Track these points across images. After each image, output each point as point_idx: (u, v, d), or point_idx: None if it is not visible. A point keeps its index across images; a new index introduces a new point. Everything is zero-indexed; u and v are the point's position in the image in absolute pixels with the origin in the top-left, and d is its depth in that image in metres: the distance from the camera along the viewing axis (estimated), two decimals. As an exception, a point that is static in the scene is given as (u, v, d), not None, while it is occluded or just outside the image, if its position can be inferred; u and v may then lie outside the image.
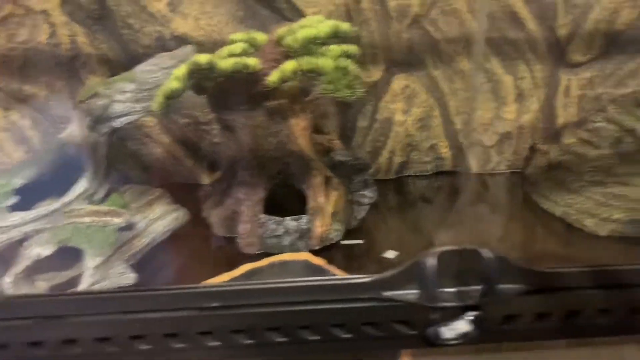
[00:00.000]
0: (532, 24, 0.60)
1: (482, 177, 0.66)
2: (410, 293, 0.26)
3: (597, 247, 0.49)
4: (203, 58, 0.41)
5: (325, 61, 0.43)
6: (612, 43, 0.62)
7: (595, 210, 0.53)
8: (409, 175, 0.66)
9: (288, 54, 0.44)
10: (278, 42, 0.45)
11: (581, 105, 0.64)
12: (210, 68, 0.41)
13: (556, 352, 0.58)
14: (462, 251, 0.26)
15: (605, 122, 0.60)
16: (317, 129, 0.61)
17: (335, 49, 0.44)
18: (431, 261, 0.26)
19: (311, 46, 0.44)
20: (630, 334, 0.28)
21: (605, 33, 0.61)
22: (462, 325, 0.26)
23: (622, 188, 0.53)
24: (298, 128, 0.51)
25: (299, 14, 0.59)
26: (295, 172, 0.51)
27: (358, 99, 0.45)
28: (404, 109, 0.63)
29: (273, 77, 0.43)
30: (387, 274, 0.26)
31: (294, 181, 0.52)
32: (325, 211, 0.51)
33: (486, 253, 0.26)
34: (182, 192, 0.59)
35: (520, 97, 0.63)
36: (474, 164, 0.66)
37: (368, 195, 0.54)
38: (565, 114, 0.64)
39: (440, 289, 0.26)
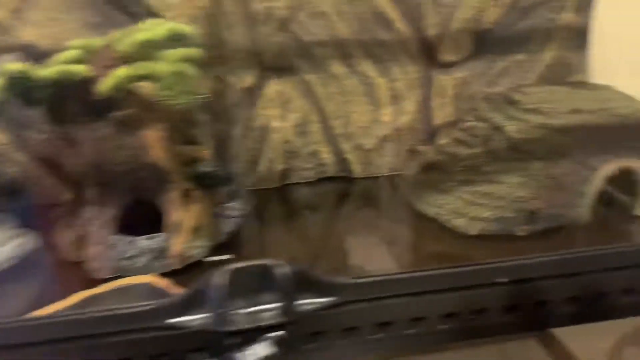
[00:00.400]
0: (400, 25, 0.60)
1: (364, 181, 0.65)
2: (198, 318, 0.24)
3: (463, 247, 0.49)
4: (14, 67, 0.37)
5: (161, 66, 0.40)
6: (481, 42, 0.62)
7: (465, 209, 0.53)
8: (292, 183, 0.64)
9: (124, 60, 0.41)
10: (113, 47, 0.42)
11: (457, 105, 0.65)
12: (25, 77, 0.37)
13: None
14: (255, 267, 0.24)
15: (477, 120, 0.60)
16: (186, 139, 0.58)
17: (173, 53, 0.41)
18: (221, 280, 0.23)
19: (148, 50, 0.41)
20: (446, 342, 0.26)
21: (474, 32, 0.62)
22: (262, 349, 0.24)
23: (490, 186, 0.54)
24: (152, 139, 0.47)
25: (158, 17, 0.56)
26: (150, 187, 0.48)
27: (205, 104, 0.43)
28: (280, 115, 0.61)
29: (105, 84, 0.40)
30: (171, 298, 0.24)
31: (149, 197, 0.48)
32: (184, 227, 0.47)
33: (281, 268, 0.24)
34: (41, 214, 0.54)
35: (396, 99, 0.63)
36: (356, 169, 0.65)
37: (237, 207, 0.52)
38: (441, 114, 0.65)
39: (234, 311, 0.24)
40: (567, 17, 0.63)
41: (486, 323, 0.26)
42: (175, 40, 0.41)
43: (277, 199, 0.61)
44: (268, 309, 0.24)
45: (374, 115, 0.63)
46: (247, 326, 0.24)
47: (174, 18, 0.56)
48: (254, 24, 0.57)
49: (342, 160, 0.65)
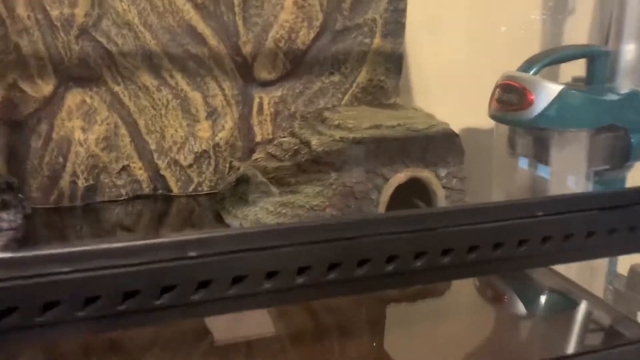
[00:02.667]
0: (213, 40, 0.60)
1: (182, 199, 0.63)
2: None
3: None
4: None
5: None
6: (297, 62, 0.64)
7: (265, 218, 0.53)
8: (101, 202, 0.61)
9: None
10: None
11: (277, 123, 0.65)
12: None
13: None
14: None
15: (290, 136, 0.61)
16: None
17: None
18: None
19: None
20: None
21: (287, 52, 0.63)
22: None
23: (291, 196, 0.54)
24: None
25: (-64, 18, 0.51)
26: None
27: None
28: (83, 127, 0.58)
29: None
30: None
31: None
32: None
33: None
34: None
35: (213, 114, 0.62)
36: (173, 186, 0.63)
37: (7, 218, 0.47)
38: (261, 131, 0.65)
39: None
40: (378, 42, 0.66)
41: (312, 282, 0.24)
42: None
43: (79, 217, 0.57)
44: None
45: (190, 130, 0.62)
46: None
47: (-46, 17, 0.52)
48: (52, 30, 0.55)
49: (158, 177, 0.62)
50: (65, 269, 0.23)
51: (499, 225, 0.28)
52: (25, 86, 0.55)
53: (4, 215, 0.47)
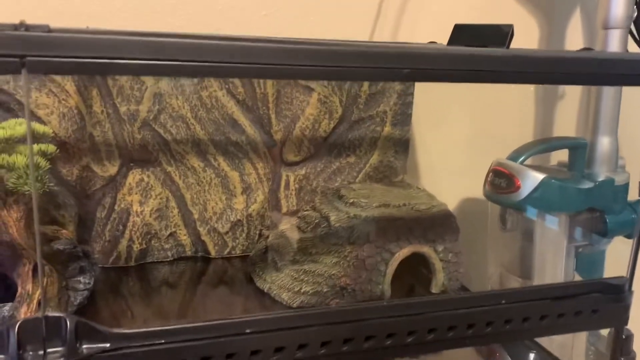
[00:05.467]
0: (250, 129, 0.72)
1: (219, 261, 0.73)
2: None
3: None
4: None
5: (17, 157, 0.48)
6: (319, 146, 0.76)
7: (290, 284, 0.63)
8: (150, 262, 0.72)
9: (-16, 152, 0.49)
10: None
11: (300, 196, 0.76)
12: None
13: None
14: (44, 317, 0.31)
15: (311, 210, 0.72)
16: (51, 219, 0.65)
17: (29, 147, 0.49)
18: (12, 328, 0.30)
19: (7, 145, 0.49)
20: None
21: (311, 139, 0.75)
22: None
23: (312, 265, 0.64)
24: (10, 219, 0.54)
25: (32, 114, 0.64)
26: (5, 261, 0.54)
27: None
28: (140, 201, 0.69)
29: (-36, 172, 0.47)
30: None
31: (5, 270, 0.54)
32: (32, 298, 0.53)
33: (67, 317, 0.32)
34: None
35: (247, 189, 0.74)
36: (211, 249, 0.73)
37: (83, 281, 0.58)
38: (287, 204, 0.76)
39: (26, 352, 0.31)
40: (388, 129, 0.78)
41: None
42: (35, 138, 0.50)
43: (133, 275, 0.68)
44: (55, 351, 0.31)
45: (227, 203, 0.73)
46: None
47: (46, 115, 0.64)
48: (119, 123, 0.67)
49: (199, 242, 0.73)
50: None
51: (471, 311, 0.38)
52: (95, 167, 0.67)
53: (81, 279, 0.58)
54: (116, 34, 0.37)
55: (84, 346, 0.32)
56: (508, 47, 0.48)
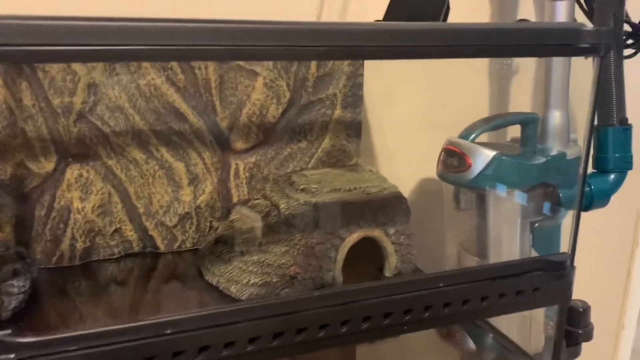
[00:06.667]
0: (193, 118, 0.69)
1: (169, 255, 0.71)
2: None
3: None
4: None
5: None
6: (268, 133, 0.73)
7: (239, 276, 0.61)
8: (96, 260, 0.69)
9: None
10: None
11: (252, 185, 0.74)
12: None
13: None
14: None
15: (262, 199, 0.70)
16: (-17, 222, 0.61)
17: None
18: None
19: None
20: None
21: (259, 125, 0.72)
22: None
23: (261, 255, 0.62)
24: None
25: (-45, 111, 0.60)
26: None
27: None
28: (81, 197, 0.66)
29: None
30: None
31: None
32: (-41, 305, 0.50)
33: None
34: None
35: (194, 180, 0.71)
36: (160, 244, 0.71)
37: (17, 284, 0.55)
38: (238, 193, 0.74)
39: None
40: (339, 112, 0.76)
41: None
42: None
43: (77, 275, 0.65)
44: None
45: (174, 195, 0.70)
46: None
47: (-30, 110, 0.61)
48: (53, 116, 0.63)
49: (146, 237, 0.70)
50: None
51: (409, 296, 0.37)
52: (30, 164, 0.64)
53: (15, 282, 0.55)
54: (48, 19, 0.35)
55: (-13, 358, 0.29)
56: (444, 20, 0.47)
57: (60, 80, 0.63)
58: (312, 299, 0.34)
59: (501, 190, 0.69)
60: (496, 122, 0.73)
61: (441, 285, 0.36)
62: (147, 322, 0.32)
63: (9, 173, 0.64)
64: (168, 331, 0.32)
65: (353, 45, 0.32)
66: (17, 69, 0.62)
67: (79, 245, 0.67)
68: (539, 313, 0.74)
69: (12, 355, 0.30)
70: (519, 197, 0.70)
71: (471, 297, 0.38)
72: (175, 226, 0.71)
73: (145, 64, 0.65)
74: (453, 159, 0.70)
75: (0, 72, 0.61)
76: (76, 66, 0.63)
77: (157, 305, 0.58)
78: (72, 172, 0.66)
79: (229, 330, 0.33)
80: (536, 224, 0.75)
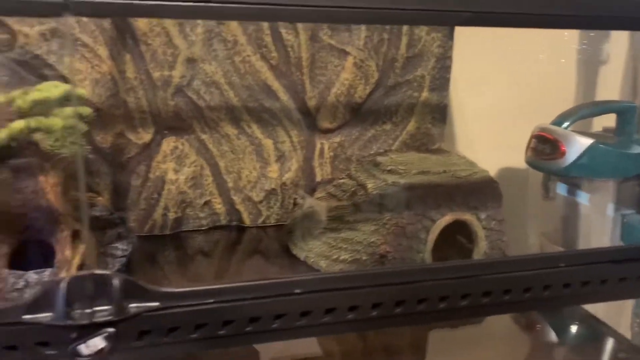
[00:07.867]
0: (284, 96, 0.70)
1: (253, 230, 0.73)
2: (46, 315, 0.30)
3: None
4: None
5: (53, 120, 0.47)
6: (354, 113, 0.73)
7: (328, 252, 0.62)
8: (185, 231, 0.71)
9: (20, 115, 0.48)
10: (9, 103, 0.48)
11: (335, 165, 0.75)
12: None
13: None
14: (91, 275, 0.30)
15: (347, 178, 0.70)
16: (86, 187, 0.64)
17: (66, 110, 0.48)
18: (61, 285, 0.30)
19: (42, 107, 0.48)
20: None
21: (346, 105, 0.73)
22: (97, 342, 0.30)
23: (350, 233, 0.62)
24: (47, 185, 0.53)
25: (65, 81, 0.63)
26: (43, 227, 0.53)
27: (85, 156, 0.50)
28: (175, 168, 0.69)
29: (1, 134, 0.46)
30: (25, 298, 0.30)
31: (43, 236, 0.54)
32: (71, 263, 0.53)
33: (114, 276, 0.31)
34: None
35: (281, 158, 0.72)
36: (246, 218, 0.73)
37: (121, 247, 0.58)
38: (321, 172, 0.74)
39: (74, 310, 0.30)
40: (425, 95, 0.75)
41: (283, 327, 0.33)
42: (68, 100, 0.49)
43: (168, 244, 0.68)
44: (103, 309, 0.31)
45: (262, 171, 0.72)
46: (84, 322, 0.30)
47: (80, 81, 0.63)
48: (153, 89, 0.65)
49: (233, 211, 0.72)
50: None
51: (529, 274, 0.36)
52: (130, 134, 0.66)
53: (119, 245, 0.57)
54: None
55: (132, 305, 0.31)
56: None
57: (161, 54, 0.65)
58: (437, 269, 0.34)
59: (595, 180, 0.67)
60: (592, 109, 0.71)
61: (562, 265, 0.36)
62: (278, 280, 0.33)
63: (109, 142, 0.66)
64: (297, 290, 0.33)
65: (499, 12, 0.32)
66: (122, 41, 0.64)
67: (171, 215, 0.69)
68: (628, 309, 0.71)
69: (157, 304, 0.31)
70: (612, 188, 0.68)
71: (591, 279, 0.37)
72: (261, 202, 0.72)
73: (242, 40, 0.66)
74: (545, 145, 0.68)
75: (107, 44, 0.63)
76: (177, 40, 0.65)
77: (250, 276, 0.59)
78: (168, 144, 0.68)
79: (354, 295, 0.33)
80: (625, 218, 0.73)
